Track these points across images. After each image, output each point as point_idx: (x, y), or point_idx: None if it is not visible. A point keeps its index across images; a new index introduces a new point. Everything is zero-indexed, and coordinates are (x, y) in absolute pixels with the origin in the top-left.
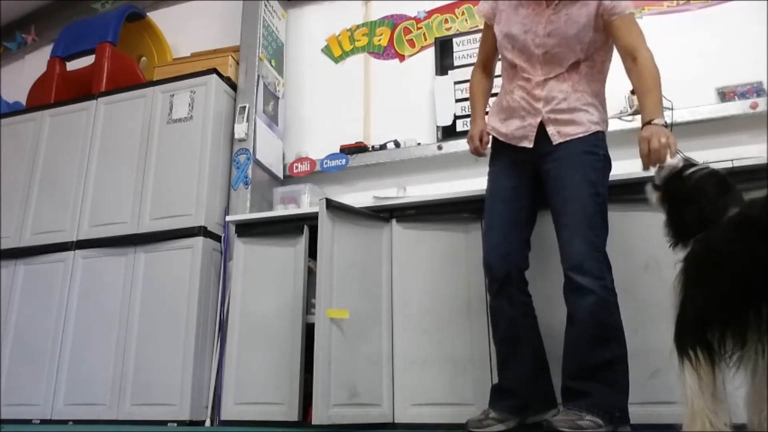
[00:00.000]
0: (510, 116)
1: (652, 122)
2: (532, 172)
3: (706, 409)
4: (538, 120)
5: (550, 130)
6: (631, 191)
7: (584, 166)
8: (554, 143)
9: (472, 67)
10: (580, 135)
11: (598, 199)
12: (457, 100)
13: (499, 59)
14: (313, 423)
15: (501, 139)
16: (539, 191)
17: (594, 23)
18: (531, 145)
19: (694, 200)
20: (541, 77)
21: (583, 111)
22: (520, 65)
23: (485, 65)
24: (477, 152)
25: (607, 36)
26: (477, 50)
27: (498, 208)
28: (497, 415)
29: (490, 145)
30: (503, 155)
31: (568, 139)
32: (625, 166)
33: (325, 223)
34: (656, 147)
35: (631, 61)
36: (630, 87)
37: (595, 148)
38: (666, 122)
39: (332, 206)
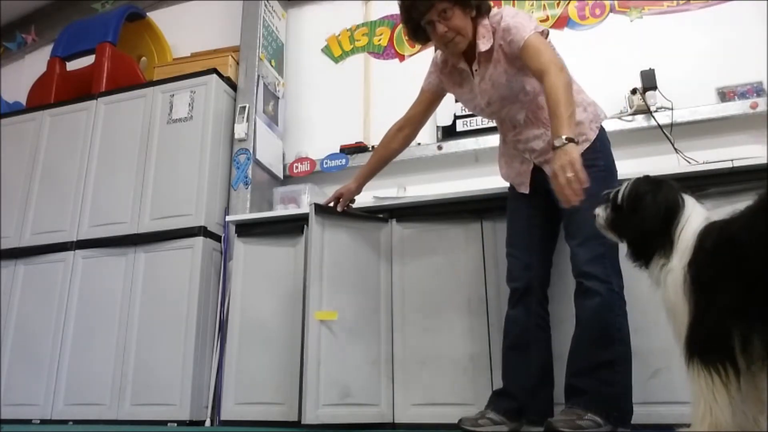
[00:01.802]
0: (511, 160)
1: (556, 147)
2: (544, 192)
3: (731, 424)
4: (531, 166)
5: (546, 169)
6: None
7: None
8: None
9: None
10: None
11: None
12: (457, 100)
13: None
14: (302, 423)
15: (506, 180)
16: (555, 207)
17: (516, 66)
18: (527, 191)
19: (656, 212)
20: (512, 133)
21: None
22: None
23: (405, 124)
24: (326, 205)
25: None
26: None
27: (516, 224)
28: (493, 416)
29: None
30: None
31: None
32: (625, 166)
33: (314, 228)
34: (565, 183)
35: (542, 83)
36: (630, 87)
37: (592, 161)
38: (569, 140)
39: (322, 210)
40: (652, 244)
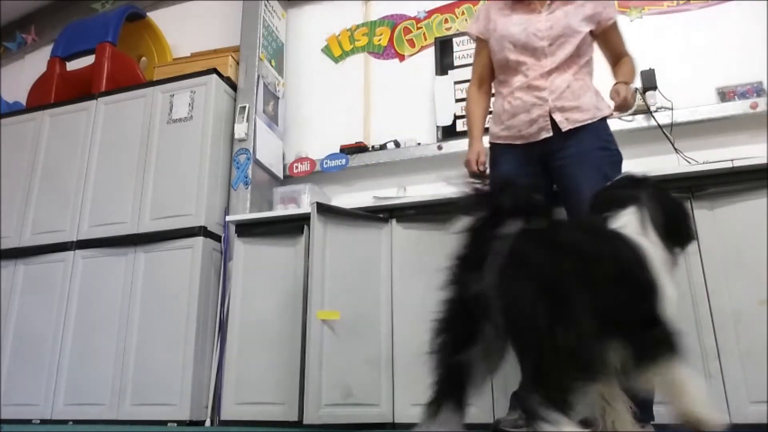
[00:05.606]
0: (514, 115)
1: (620, 81)
2: (541, 170)
3: None
4: (547, 109)
5: (558, 117)
6: None
7: (600, 164)
8: (563, 130)
9: (470, 78)
10: (588, 121)
11: None
12: (457, 100)
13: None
14: (304, 423)
15: (508, 142)
16: (551, 188)
17: (588, 25)
18: (551, 134)
19: None
20: (546, 69)
21: (586, 97)
22: (522, 61)
23: (481, 83)
24: (475, 176)
25: (593, 39)
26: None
27: None
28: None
29: (488, 158)
30: (509, 155)
31: (577, 125)
32: (625, 166)
33: (316, 227)
34: (625, 98)
35: (618, 61)
36: None
37: (607, 143)
38: (634, 88)
39: (324, 209)
40: None
